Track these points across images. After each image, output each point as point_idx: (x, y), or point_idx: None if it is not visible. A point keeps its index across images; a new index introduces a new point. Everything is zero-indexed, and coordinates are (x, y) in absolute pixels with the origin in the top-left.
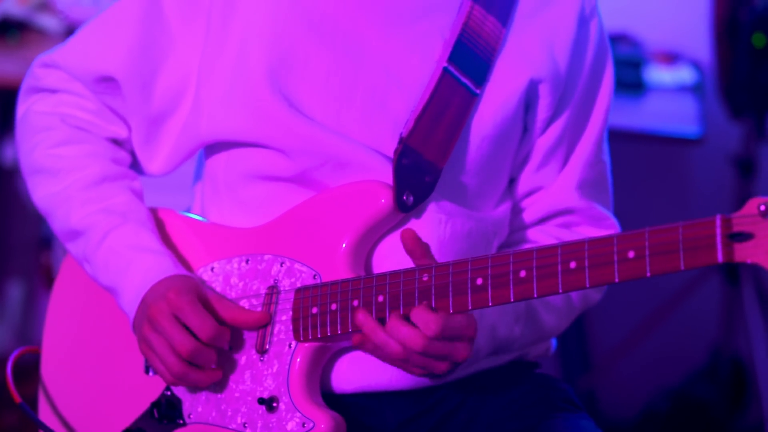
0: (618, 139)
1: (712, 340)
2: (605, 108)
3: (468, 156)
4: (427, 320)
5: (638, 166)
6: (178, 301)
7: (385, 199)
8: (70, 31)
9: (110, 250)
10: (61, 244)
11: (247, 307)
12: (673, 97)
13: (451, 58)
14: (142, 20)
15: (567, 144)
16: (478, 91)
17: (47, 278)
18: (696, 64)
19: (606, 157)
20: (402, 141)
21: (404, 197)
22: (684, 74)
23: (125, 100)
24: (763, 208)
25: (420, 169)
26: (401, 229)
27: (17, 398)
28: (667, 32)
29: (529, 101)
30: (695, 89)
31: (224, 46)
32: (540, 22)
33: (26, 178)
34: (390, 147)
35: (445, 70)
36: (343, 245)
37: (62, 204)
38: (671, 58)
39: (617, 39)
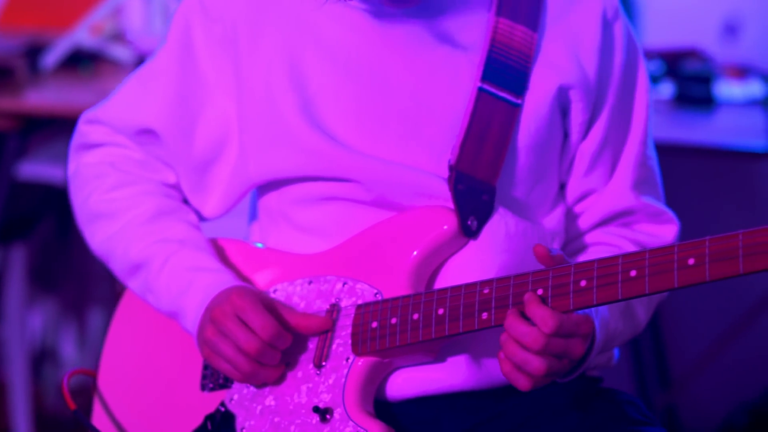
0: (688, 154)
1: None
2: (645, 107)
3: (517, 168)
4: (543, 316)
5: (708, 180)
6: (240, 301)
7: (448, 225)
8: (140, 61)
9: (171, 275)
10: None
11: None
12: (743, 111)
13: (485, 77)
14: (177, 73)
15: (612, 147)
16: (519, 102)
17: None
18: (766, 78)
19: (652, 152)
20: (452, 168)
21: (468, 222)
22: (754, 88)
23: (168, 150)
24: None
25: (476, 190)
26: (468, 248)
27: (72, 405)
28: (737, 47)
29: (564, 107)
30: (764, 103)
31: (255, 91)
32: (564, 27)
33: (83, 228)
34: (433, 169)
35: (480, 90)
36: (406, 265)
37: (120, 242)
38: (742, 72)
39: (687, 54)
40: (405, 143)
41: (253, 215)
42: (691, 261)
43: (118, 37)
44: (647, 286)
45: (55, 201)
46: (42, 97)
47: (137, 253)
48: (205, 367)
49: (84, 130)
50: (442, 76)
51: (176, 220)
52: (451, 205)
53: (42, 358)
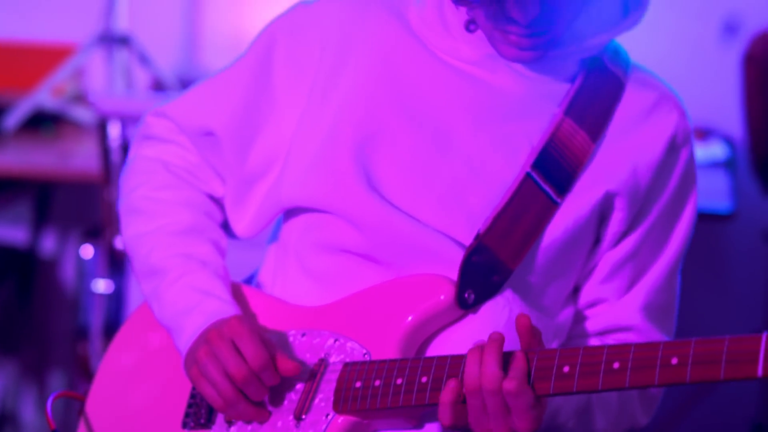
0: None
1: (753, 415)
2: (683, 238)
3: (538, 259)
4: (521, 367)
5: None
6: (238, 327)
7: (444, 295)
8: (102, 123)
9: (181, 291)
10: (97, 336)
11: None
12: (705, 173)
13: (535, 165)
14: (250, 84)
15: (637, 264)
16: (559, 200)
17: (84, 369)
18: (728, 140)
19: (675, 286)
20: (478, 238)
21: (465, 295)
22: (716, 150)
23: (223, 158)
24: None
25: (490, 268)
26: (466, 322)
27: (52, 425)
28: (698, 108)
29: (604, 213)
30: (727, 165)
31: (320, 118)
32: (629, 140)
33: (121, 216)
34: (461, 237)
35: (527, 175)
36: (399, 330)
37: (146, 244)
38: (703, 134)
39: None
40: (443, 206)
41: (273, 237)
42: (674, 360)
43: (80, 98)
44: (628, 379)
45: (16, 263)
46: (3, 159)
47: (158, 260)
48: (189, 405)
49: (150, 122)
50: (500, 153)
51: (205, 241)
52: (455, 275)
53: (2, 422)
